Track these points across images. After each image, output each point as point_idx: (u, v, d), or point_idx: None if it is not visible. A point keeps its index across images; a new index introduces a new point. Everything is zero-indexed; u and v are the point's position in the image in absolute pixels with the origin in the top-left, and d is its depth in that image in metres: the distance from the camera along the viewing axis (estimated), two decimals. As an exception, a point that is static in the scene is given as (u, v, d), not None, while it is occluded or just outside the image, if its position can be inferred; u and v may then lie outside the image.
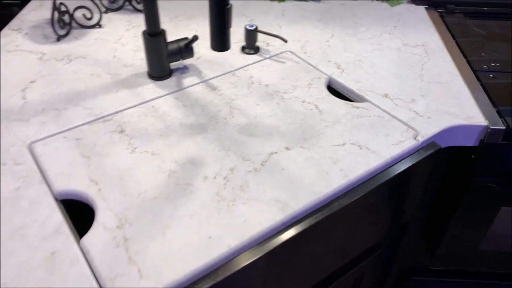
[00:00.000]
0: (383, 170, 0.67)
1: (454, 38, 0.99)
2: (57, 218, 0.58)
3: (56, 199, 0.60)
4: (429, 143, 0.72)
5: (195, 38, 0.80)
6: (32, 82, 0.82)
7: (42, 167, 0.65)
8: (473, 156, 0.78)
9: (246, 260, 0.55)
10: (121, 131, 0.72)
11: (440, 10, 1.10)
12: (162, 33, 0.79)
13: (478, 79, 0.85)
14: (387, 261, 1.00)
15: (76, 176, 0.63)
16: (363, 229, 0.73)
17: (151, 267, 0.52)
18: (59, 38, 0.95)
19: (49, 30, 0.98)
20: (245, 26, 0.90)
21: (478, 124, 0.75)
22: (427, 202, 0.89)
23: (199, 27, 1.01)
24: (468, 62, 0.90)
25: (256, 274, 0.59)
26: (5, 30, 0.97)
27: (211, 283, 0.53)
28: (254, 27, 0.89)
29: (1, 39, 0.94)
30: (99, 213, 0.58)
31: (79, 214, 0.61)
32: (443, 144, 0.76)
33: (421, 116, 0.76)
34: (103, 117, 0.75)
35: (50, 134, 0.71)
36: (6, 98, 0.78)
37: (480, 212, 0.85)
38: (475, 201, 0.83)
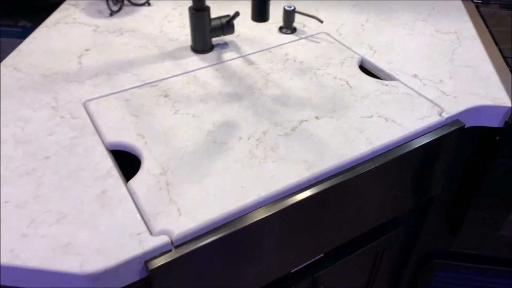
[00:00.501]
0: (407, 142, 0.71)
1: (487, 27, 1.01)
2: (108, 163, 0.65)
3: (107, 149, 0.68)
4: (454, 120, 0.76)
5: (236, 14, 0.86)
6: (87, 50, 0.91)
7: (95, 122, 0.73)
8: (497, 138, 0.81)
9: (272, 210, 0.61)
10: (166, 96, 0.79)
11: (476, 1, 1.12)
12: (207, 9, 0.85)
13: (508, 65, 0.87)
14: (409, 239, 1.03)
15: (125, 131, 0.71)
16: (386, 199, 0.78)
17: (189, 208, 0.58)
18: (112, 14, 1.03)
19: (103, 6, 1.06)
20: (284, 7, 0.95)
21: (504, 105, 0.78)
22: (451, 182, 0.92)
23: (240, 7, 1.07)
24: (500, 50, 0.93)
25: (280, 226, 0.64)
26: (64, 5, 1.07)
27: (239, 226, 0.59)
28: (292, 8, 0.94)
29: (60, 12, 1.03)
30: (145, 161, 0.65)
31: (123, 167, 0.69)
32: (468, 124, 0.79)
33: (448, 95, 0.79)
34: (149, 83, 0.82)
35: (103, 95, 0.79)
36: (64, 63, 0.86)
37: (503, 193, 0.87)
38: (498, 182, 0.85)
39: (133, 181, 0.62)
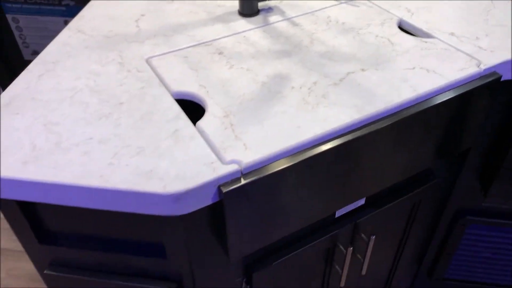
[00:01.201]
0: (448, 90, 0.77)
1: (520, -9, 1.04)
2: (176, 108, 0.72)
3: (173, 98, 0.75)
4: (491, 72, 0.81)
5: (283, -22, 0.92)
6: (142, 15, 0.97)
7: (160, 75, 0.80)
8: (532, 90, 0.86)
9: (326, 147, 0.67)
10: (220, 53, 0.85)
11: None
12: (255, -27, 0.92)
13: (542, 24, 0.91)
14: (443, 193, 1.09)
15: (187, 82, 0.78)
16: (426, 146, 0.83)
17: (253, 143, 0.65)
18: (161, -16, 1.09)
19: (151, -23, 1.13)
20: (325, -27, 1.00)
21: (539, 58, 0.82)
22: (486, 135, 0.97)
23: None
24: (533, 11, 0.96)
25: (331, 165, 0.70)
26: (115, -23, 1.14)
27: (299, 160, 0.65)
28: (333, -26, 0.99)
29: (113, -17, 1.10)
30: (209, 107, 0.72)
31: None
32: (505, 76, 0.84)
33: (485, 50, 0.84)
34: (204, 42, 0.89)
35: (162, 53, 0.85)
36: (123, 26, 0.94)
37: (536, 146, 0.92)
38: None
39: (201, 122, 0.69)
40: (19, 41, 1.81)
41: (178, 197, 0.59)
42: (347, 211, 0.91)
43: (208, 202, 0.62)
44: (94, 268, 0.81)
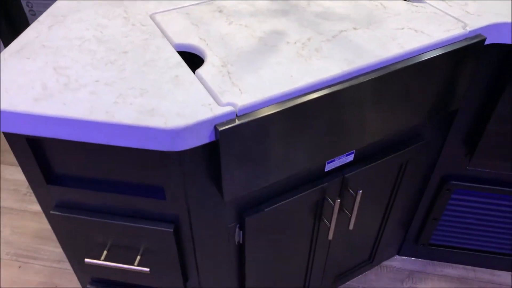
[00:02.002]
0: (434, 49, 0.81)
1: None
2: (177, 57, 0.77)
3: (174, 49, 0.79)
4: (476, 34, 0.85)
5: None
6: (147, -24, 1.02)
7: (162, 29, 0.84)
8: (515, 55, 0.90)
9: (316, 95, 0.72)
10: (220, 11, 0.90)
11: None
12: None
13: (529, -7, 0.95)
14: (430, 158, 1.14)
15: (189, 35, 0.82)
16: (413, 103, 0.88)
17: (248, 89, 0.70)
18: None
19: None
20: None
21: (523, 23, 0.87)
22: (472, 99, 1.01)
23: None
24: (522, -18, 1.00)
25: (321, 114, 0.76)
26: None
27: (290, 105, 0.70)
28: None
29: None
30: (208, 57, 0.77)
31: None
32: (490, 41, 0.88)
33: (472, 14, 0.89)
34: (205, 1, 0.93)
35: (166, 10, 0.90)
36: (129, -15, 0.98)
37: (518, 110, 0.96)
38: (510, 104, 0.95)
39: (200, 70, 0.74)
40: (26, 9, 1.84)
41: (177, 133, 0.64)
42: (336, 166, 0.96)
43: (205, 140, 0.68)
44: (98, 210, 0.86)
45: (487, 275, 1.45)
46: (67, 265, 1.47)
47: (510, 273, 1.45)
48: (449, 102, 0.94)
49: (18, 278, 1.43)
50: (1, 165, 1.82)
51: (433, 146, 1.11)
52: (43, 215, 1.63)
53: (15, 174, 1.79)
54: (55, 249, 1.51)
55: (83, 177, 0.82)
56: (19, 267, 1.46)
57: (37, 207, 1.66)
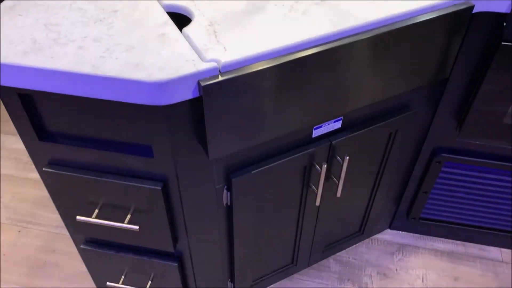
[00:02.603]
0: (422, 14, 0.82)
1: None
2: (165, 17, 0.78)
3: (163, 9, 0.81)
4: (464, 1, 0.86)
5: None
6: None
7: (153, -10, 0.85)
8: (504, 23, 0.90)
9: (301, 54, 0.73)
10: (212, -25, 0.91)
11: None
12: None
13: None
14: (422, 129, 1.15)
15: (178, -4, 0.83)
16: (402, 69, 0.89)
17: (233, 47, 0.71)
18: None
19: None
20: None
21: (512, -9, 0.87)
22: (461, 69, 1.02)
23: None
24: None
25: (307, 73, 0.77)
26: None
27: (274, 64, 0.71)
28: None
29: None
30: (195, 17, 0.78)
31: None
32: (478, 8, 0.88)
33: (462, -19, 0.89)
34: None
35: (158, -28, 0.91)
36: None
37: (507, 78, 0.97)
38: (503, 65, 0.95)
39: (187, 28, 0.75)
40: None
41: (161, 86, 0.66)
42: (323, 132, 0.97)
43: (189, 95, 0.69)
44: (89, 167, 0.89)
45: (477, 250, 1.47)
46: (65, 231, 1.50)
47: (499, 248, 1.46)
48: (438, 71, 0.94)
49: (18, 242, 1.47)
50: (2, 135, 1.85)
51: (423, 117, 1.12)
52: (43, 183, 1.66)
53: (16, 144, 1.82)
54: (54, 215, 1.55)
55: (74, 135, 0.84)
56: (19, 231, 1.50)
57: (36, 175, 1.69)
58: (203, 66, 0.68)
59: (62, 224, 1.52)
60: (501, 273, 1.41)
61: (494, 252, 1.46)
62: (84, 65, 0.67)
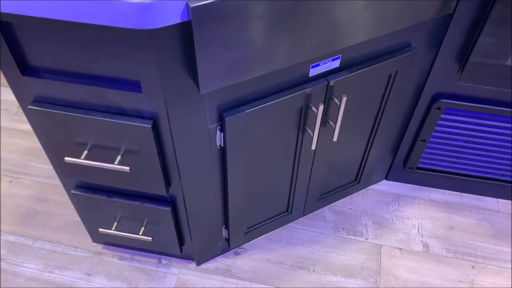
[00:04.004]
0: None
1: None
2: None
3: None
4: None
5: None
6: None
7: None
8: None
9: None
10: None
11: None
12: None
13: None
14: (423, 69, 1.11)
15: None
16: (404, 1, 0.84)
17: (225, -33, 0.66)
18: None
19: None
20: None
21: None
22: (466, 9, 0.97)
23: None
24: None
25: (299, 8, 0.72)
26: None
27: (269, -13, 0.67)
28: None
29: None
30: None
31: None
32: None
33: None
34: None
35: None
36: None
37: (510, 19, 0.92)
38: (507, 5, 0.90)
39: (175, -51, 0.70)
40: None
41: (146, 7, 0.61)
42: (321, 71, 0.94)
43: (177, 19, 0.65)
44: (76, 105, 0.85)
45: (473, 200, 1.46)
46: (57, 181, 1.48)
47: (496, 199, 1.46)
48: (442, 4, 0.90)
49: (9, 192, 1.45)
50: (-9, 85, 1.81)
51: (424, 58, 1.08)
52: (33, 134, 1.63)
53: (5, 95, 1.77)
54: (45, 166, 1.52)
55: (58, 69, 0.80)
56: (10, 181, 1.48)
57: (27, 126, 1.66)
58: (192, -14, 0.63)
59: (54, 174, 1.50)
60: (496, 223, 1.40)
61: (490, 202, 1.45)
62: (64, -16, 0.62)
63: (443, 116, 1.22)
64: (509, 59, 1.01)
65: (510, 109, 1.15)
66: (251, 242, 1.34)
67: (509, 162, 1.31)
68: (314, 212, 1.41)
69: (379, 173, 1.46)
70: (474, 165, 1.36)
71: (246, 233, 1.26)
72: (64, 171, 1.01)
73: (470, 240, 1.36)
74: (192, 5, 0.63)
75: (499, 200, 1.45)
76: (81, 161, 0.90)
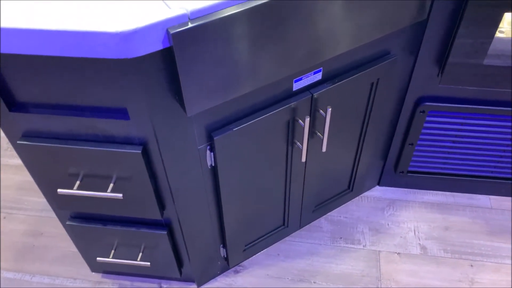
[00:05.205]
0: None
1: None
2: (129, -31, 0.74)
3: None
4: None
5: None
6: None
7: None
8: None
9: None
10: None
11: None
12: None
13: None
14: (404, 79, 1.13)
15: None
16: (377, 11, 0.86)
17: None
18: None
19: None
20: None
21: None
22: (440, 12, 1.00)
23: None
24: None
25: (280, 16, 0.74)
26: None
27: (243, 8, 0.68)
28: None
29: None
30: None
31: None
32: None
33: None
34: None
35: None
36: None
37: (485, 17, 0.95)
38: (479, 5, 0.93)
39: (152, -21, 0.72)
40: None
41: (127, 36, 0.63)
42: (304, 85, 0.95)
43: (159, 46, 0.67)
44: (65, 136, 0.86)
45: (466, 199, 1.47)
46: (51, 213, 1.48)
47: (488, 196, 1.47)
48: (416, 12, 0.92)
49: (4, 228, 1.44)
50: (-21, 123, 1.80)
51: (404, 64, 1.10)
52: (25, 168, 1.62)
53: (-6, 131, 1.78)
54: (38, 199, 1.52)
55: (45, 103, 0.81)
56: (4, 217, 1.47)
57: (18, 161, 1.65)
58: (171, 13, 0.65)
59: (48, 207, 1.50)
60: (490, 219, 1.42)
61: (483, 200, 1.47)
62: (40, 19, 0.64)
63: (428, 118, 1.24)
64: (486, 59, 1.04)
65: (493, 107, 1.18)
66: (250, 258, 1.34)
67: (498, 159, 1.33)
68: (311, 224, 1.42)
69: (371, 179, 1.47)
70: (464, 164, 1.38)
71: (244, 250, 1.26)
72: (57, 203, 1.01)
73: (466, 239, 1.37)
74: (172, 31, 0.64)
75: (491, 196, 1.47)
76: (74, 192, 0.91)
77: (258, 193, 1.12)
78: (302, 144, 1.02)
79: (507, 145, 1.28)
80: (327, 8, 0.78)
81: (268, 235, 1.30)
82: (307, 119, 0.95)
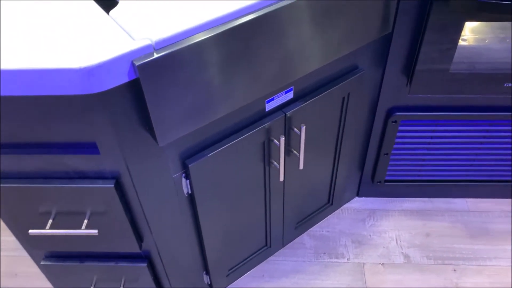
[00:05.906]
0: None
1: None
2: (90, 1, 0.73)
3: (87, -7, 0.75)
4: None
5: None
6: None
7: (73, -24, 0.80)
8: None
9: (240, 21, 0.70)
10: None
11: None
12: None
13: None
14: (374, 91, 1.14)
15: (101, -20, 0.78)
16: (343, 27, 0.87)
17: (165, 24, 0.67)
18: None
19: None
20: None
21: None
22: (403, 24, 1.01)
23: None
24: None
25: (247, 39, 0.74)
26: None
27: (208, 35, 0.68)
28: None
29: None
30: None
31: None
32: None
33: None
34: None
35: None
36: None
37: (448, 28, 0.97)
38: (441, 15, 0.95)
39: (113, 10, 0.70)
40: None
41: (91, 71, 0.61)
42: (276, 104, 0.95)
43: (125, 78, 0.65)
44: (34, 175, 0.83)
45: (444, 203, 1.49)
46: (25, 252, 1.42)
47: (464, 199, 1.50)
48: (380, 26, 0.93)
49: (-25, 272, 1.38)
50: None
51: (373, 77, 1.11)
52: (-6, 206, 1.56)
53: (-40, 170, 1.71)
54: (10, 238, 1.46)
55: (12, 143, 0.78)
56: (-25, 261, 1.41)
57: (-13, 200, 1.59)
58: (135, 45, 0.63)
59: (21, 246, 1.44)
60: (469, 222, 1.44)
61: (460, 203, 1.49)
62: (6, 60, 0.61)
63: (400, 128, 1.25)
64: (452, 66, 1.06)
65: (462, 113, 1.20)
66: (234, 282, 1.31)
67: (471, 162, 1.35)
68: (294, 241, 1.40)
69: (350, 191, 1.47)
70: (439, 170, 1.40)
71: (228, 275, 1.24)
72: (30, 244, 0.97)
73: (447, 244, 1.39)
74: (137, 63, 0.63)
75: (468, 199, 1.49)
76: (47, 231, 0.87)
77: (238, 217, 1.11)
78: (279, 164, 1.01)
79: (479, 148, 1.30)
80: (294, 28, 0.78)
81: (251, 257, 1.28)
82: (282, 139, 0.94)
